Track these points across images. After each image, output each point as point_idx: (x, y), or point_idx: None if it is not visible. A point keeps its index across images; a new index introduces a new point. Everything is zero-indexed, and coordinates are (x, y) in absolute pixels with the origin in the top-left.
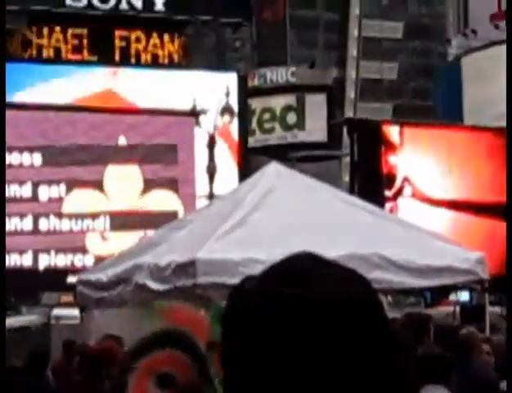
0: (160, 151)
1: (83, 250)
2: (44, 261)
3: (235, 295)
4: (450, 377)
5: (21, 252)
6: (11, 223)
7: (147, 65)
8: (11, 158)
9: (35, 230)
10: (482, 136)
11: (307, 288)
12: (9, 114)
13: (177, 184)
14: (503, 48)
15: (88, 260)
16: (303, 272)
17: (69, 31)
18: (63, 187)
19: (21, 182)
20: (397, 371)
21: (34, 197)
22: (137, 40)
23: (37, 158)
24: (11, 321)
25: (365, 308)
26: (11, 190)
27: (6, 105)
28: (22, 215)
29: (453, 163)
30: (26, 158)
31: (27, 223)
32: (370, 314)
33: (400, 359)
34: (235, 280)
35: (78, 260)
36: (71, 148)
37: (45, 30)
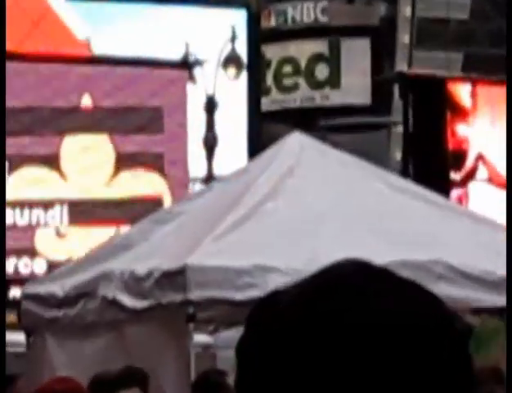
0: (140, 117)
1: (32, 253)
2: None
3: (259, 314)
4: None
5: None
6: None
7: None
8: None
9: None
10: None
11: (363, 311)
12: None
13: (163, 162)
14: None
15: (38, 266)
16: (353, 289)
17: None
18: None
19: None
20: None
21: None
22: None
23: None
24: None
25: (441, 338)
26: None
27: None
28: None
29: None
30: None
31: None
32: (446, 346)
33: None
34: (239, 295)
35: (25, 266)
36: (14, 110)
37: None
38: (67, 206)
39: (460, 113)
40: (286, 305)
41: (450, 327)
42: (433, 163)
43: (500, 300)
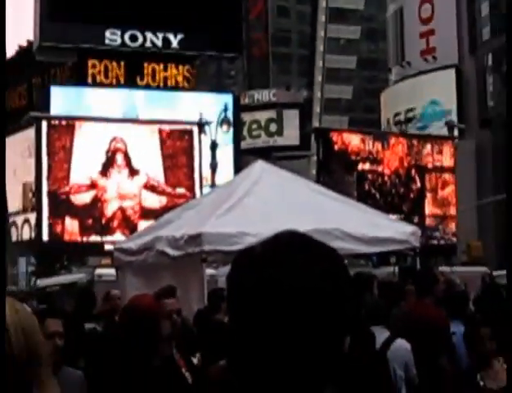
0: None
1: None
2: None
3: (239, 261)
4: (388, 319)
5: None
6: None
7: (165, 88)
8: None
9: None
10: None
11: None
12: None
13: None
14: (430, 75)
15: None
16: (291, 245)
17: (107, 63)
18: None
19: None
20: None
21: None
22: (159, 70)
23: None
24: (64, 278)
25: (340, 275)
26: None
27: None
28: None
29: None
30: None
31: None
32: (344, 280)
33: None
34: (231, 248)
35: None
36: None
37: (90, 62)
38: None
39: (347, 148)
40: (251, 255)
41: (340, 268)
42: (336, 176)
43: (365, 249)
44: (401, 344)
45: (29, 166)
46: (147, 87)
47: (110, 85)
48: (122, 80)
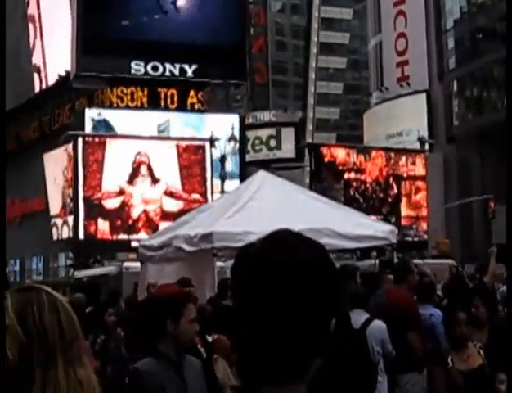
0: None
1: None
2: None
3: (242, 255)
4: (367, 304)
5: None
6: None
7: (183, 110)
8: None
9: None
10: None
11: (286, 253)
12: None
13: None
14: (404, 98)
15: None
16: (283, 242)
17: (133, 89)
18: None
19: None
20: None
21: None
22: (177, 94)
23: None
24: (97, 270)
25: (325, 266)
26: None
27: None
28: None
29: None
30: None
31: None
32: (328, 271)
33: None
34: (237, 244)
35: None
36: None
37: (118, 89)
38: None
39: (335, 160)
40: (250, 250)
41: (326, 261)
42: (326, 184)
43: (351, 245)
44: (378, 324)
45: (66, 177)
46: (166, 108)
47: (136, 107)
48: (145, 103)
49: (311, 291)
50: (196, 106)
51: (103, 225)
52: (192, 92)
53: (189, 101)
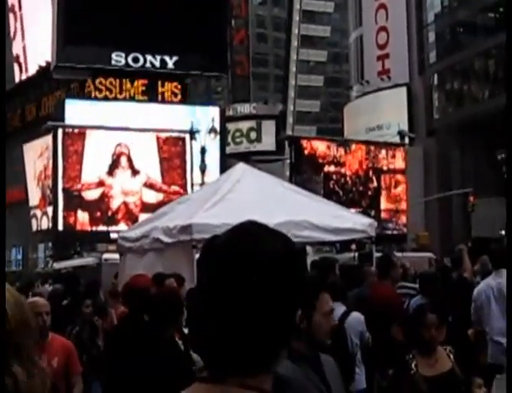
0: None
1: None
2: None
3: (207, 246)
4: (346, 296)
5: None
6: None
7: (162, 101)
8: None
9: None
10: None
11: (249, 244)
12: None
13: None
14: (385, 92)
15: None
16: (247, 233)
17: (112, 80)
18: None
19: None
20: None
21: None
22: (157, 86)
23: None
24: (77, 261)
25: (289, 257)
26: None
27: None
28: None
29: None
30: None
31: None
32: (293, 262)
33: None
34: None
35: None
36: None
37: (99, 80)
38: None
39: (315, 153)
40: (215, 241)
41: (291, 252)
42: (306, 176)
43: (330, 238)
44: (356, 316)
45: (46, 167)
46: (148, 100)
47: (115, 99)
48: (126, 95)
49: (275, 282)
50: (176, 98)
51: (82, 216)
52: (173, 84)
53: (170, 92)
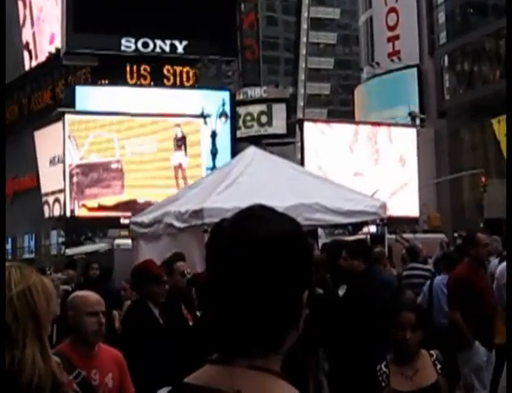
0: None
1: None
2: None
3: (214, 229)
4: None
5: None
6: None
7: (172, 86)
8: None
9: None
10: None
11: (254, 225)
12: None
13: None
14: (395, 73)
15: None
16: (253, 215)
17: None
18: None
19: None
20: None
21: None
22: (168, 71)
23: None
24: (89, 247)
25: (295, 238)
26: None
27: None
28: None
29: None
30: None
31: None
32: (298, 243)
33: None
34: None
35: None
36: None
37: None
38: None
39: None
40: (223, 224)
41: (297, 233)
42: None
43: (341, 220)
44: None
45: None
46: (159, 85)
47: (126, 84)
48: (137, 80)
49: (281, 262)
50: (187, 83)
51: (93, 202)
52: (184, 69)
53: (180, 77)
